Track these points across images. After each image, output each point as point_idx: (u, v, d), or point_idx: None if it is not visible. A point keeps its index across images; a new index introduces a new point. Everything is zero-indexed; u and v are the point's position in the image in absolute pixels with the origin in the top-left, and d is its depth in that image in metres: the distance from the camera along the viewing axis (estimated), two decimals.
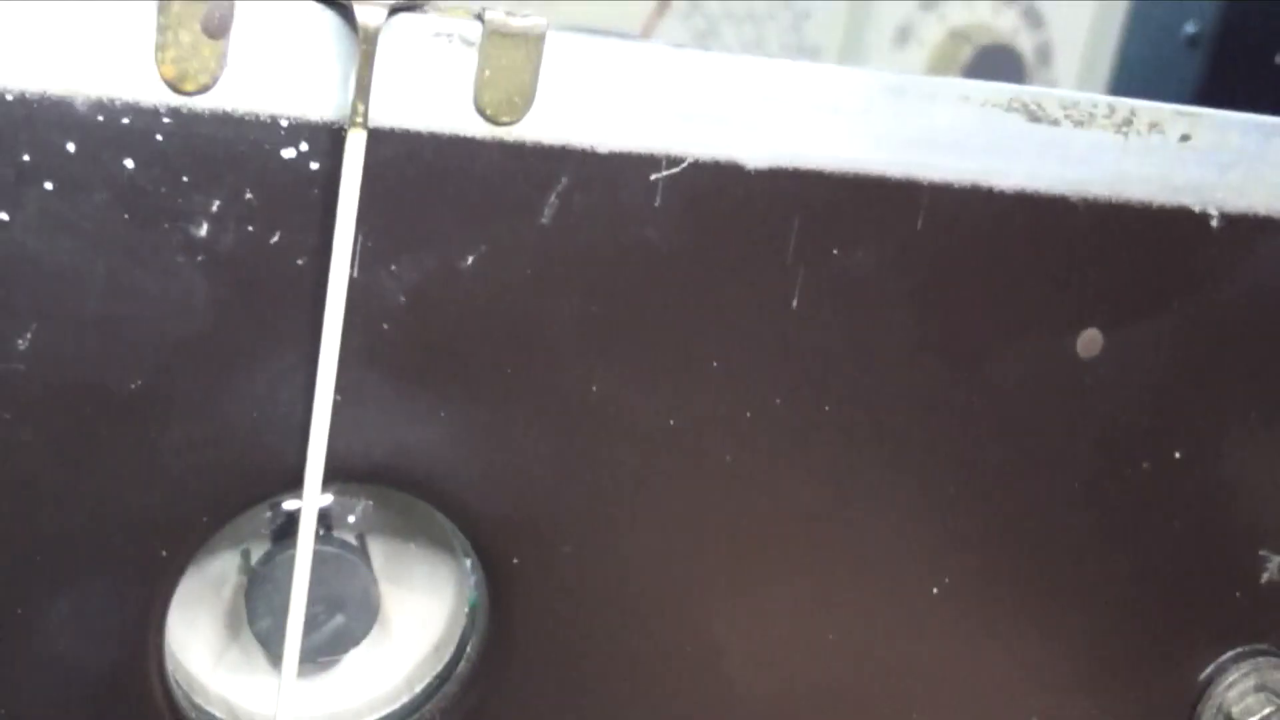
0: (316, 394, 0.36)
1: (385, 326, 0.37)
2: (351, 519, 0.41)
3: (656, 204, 0.39)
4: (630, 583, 0.42)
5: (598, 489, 0.41)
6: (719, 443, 0.42)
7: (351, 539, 0.41)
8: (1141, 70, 1.30)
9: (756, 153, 0.40)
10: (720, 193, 0.40)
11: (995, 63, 1.20)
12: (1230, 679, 0.48)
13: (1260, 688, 0.48)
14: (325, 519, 0.41)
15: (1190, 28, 1.28)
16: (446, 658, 0.42)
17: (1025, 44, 1.22)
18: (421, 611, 0.43)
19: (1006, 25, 1.22)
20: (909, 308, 0.42)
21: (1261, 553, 0.47)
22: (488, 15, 0.36)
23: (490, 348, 0.38)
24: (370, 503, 0.42)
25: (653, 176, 0.39)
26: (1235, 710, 0.48)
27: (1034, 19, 1.23)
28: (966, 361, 0.43)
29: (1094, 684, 0.47)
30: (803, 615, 0.43)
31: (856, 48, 1.17)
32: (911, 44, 1.19)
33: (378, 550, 0.42)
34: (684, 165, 0.39)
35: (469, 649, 0.42)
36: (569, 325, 0.39)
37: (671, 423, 0.41)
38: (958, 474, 0.44)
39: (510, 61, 0.37)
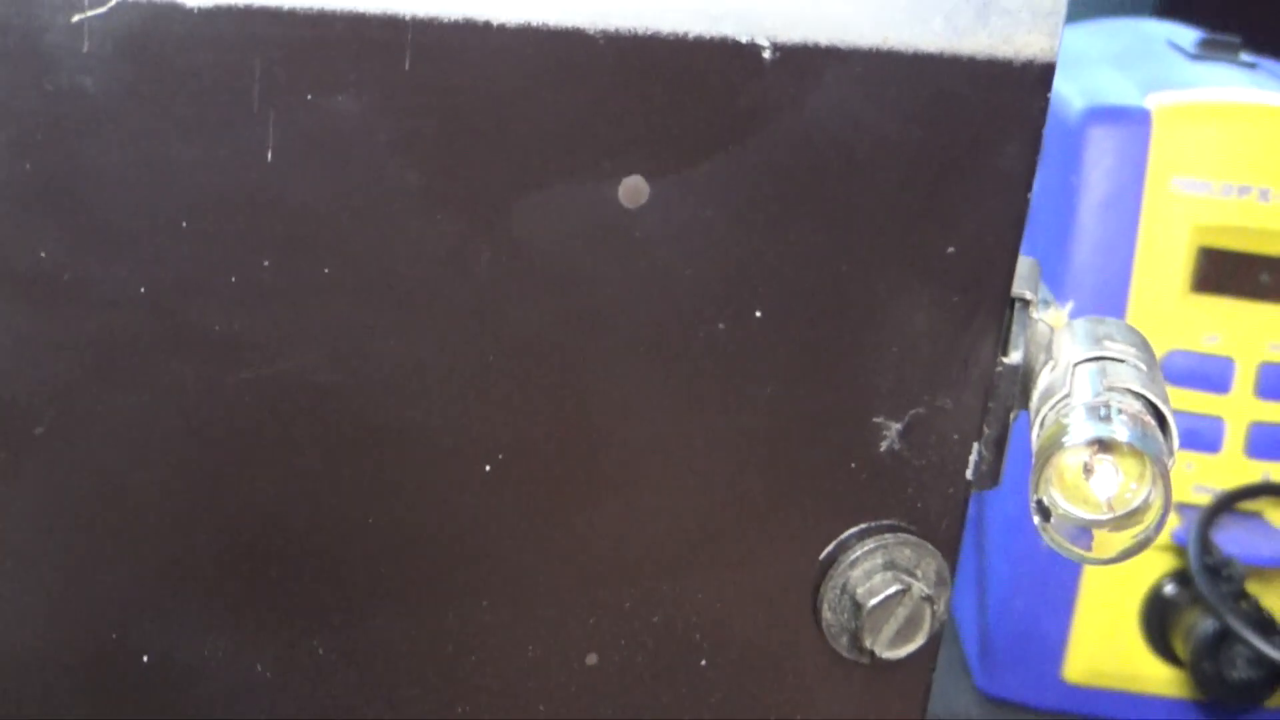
0: None
1: None
2: None
3: (85, 49, 0.36)
4: (108, 460, 0.39)
5: (69, 363, 0.38)
6: (204, 309, 0.38)
7: None
8: None
9: None
10: (161, 35, 0.36)
11: None
12: (854, 557, 0.44)
13: (888, 565, 0.44)
14: None
15: None
16: None
17: None
18: None
19: None
20: (407, 158, 0.38)
21: (876, 420, 0.43)
22: None
23: None
24: None
25: (76, 18, 0.36)
26: (860, 591, 0.44)
27: None
28: (487, 215, 0.39)
29: (701, 569, 0.43)
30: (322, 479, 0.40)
31: None
32: None
33: None
34: (110, 4, 0.36)
35: None
36: (3, 185, 0.36)
37: (143, 290, 0.38)
38: (495, 337, 0.40)
39: None
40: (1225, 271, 0.85)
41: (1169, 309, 0.84)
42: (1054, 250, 0.85)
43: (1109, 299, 0.84)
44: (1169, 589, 0.86)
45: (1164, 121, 0.84)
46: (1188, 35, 0.97)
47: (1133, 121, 0.84)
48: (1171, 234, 0.84)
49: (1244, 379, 0.85)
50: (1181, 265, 0.84)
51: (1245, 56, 0.94)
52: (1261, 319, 0.85)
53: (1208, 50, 0.94)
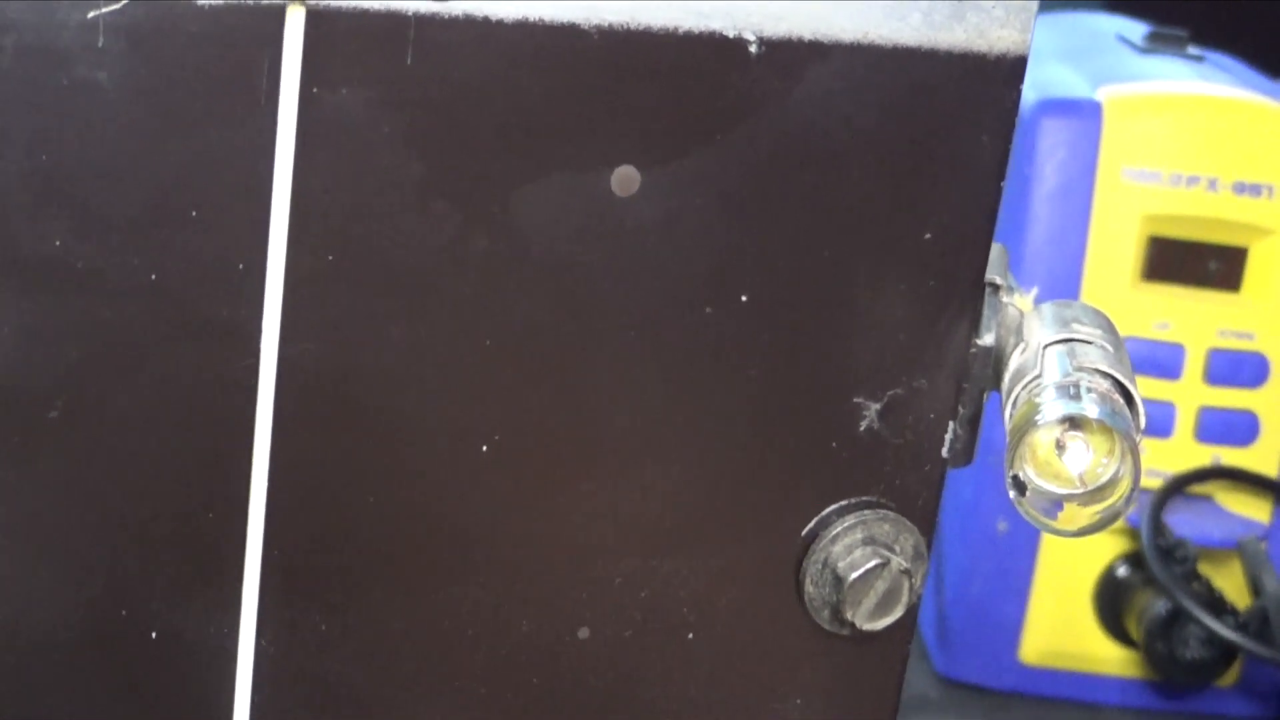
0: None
1: None
2: None
3: (100, 44, 0.37)
4: (118, 443, 0.40)
5: (82, 350, 0.39)
6: (211, 297, 0.40)
7: None
8: None
9: None
10: (170, 31, 0.38)
11: None
12: (834, 533, 0.46)
13: (868, 541, 0.46)
14: None
15: None
16: None
17: None
18: None
19: None
20: (409, 150, 0.40)
21: (856, 400, 0.45)
22: None
23: None
24: None
25: (91, 14, 0.37)
26: (841, 565, 0.46)
27: None
28: (484, 205, 0.41)
29: (689, 546, 0.45)
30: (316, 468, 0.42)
31: None
32: None
33: None
34: (124, 1, 0.37)
35: None
36: (16, 177, 0.38)
37: (154, 278, 0.39)
38: (492, 323, 0.42)
39: None
40: (1175, 260, 0.87)
41: (1120, 297, 0.86)
42: (1008, 240, 0.86)
43: (1062, 287, 0.86)
44: (1122, 571, 0.88)
45: (1114, 113, 0.86)
46: (1136, 29, 0.99)
47: (1084, 114, 0.86)
48: (1122, 223, 0.86)
49: (1194, 365, 0.87)
50: (1132, 254, 0.86)
51: (1192, 49, 0.96)
52: (1210, 306, 0.87)
53: (1156, 43, 0.96)
